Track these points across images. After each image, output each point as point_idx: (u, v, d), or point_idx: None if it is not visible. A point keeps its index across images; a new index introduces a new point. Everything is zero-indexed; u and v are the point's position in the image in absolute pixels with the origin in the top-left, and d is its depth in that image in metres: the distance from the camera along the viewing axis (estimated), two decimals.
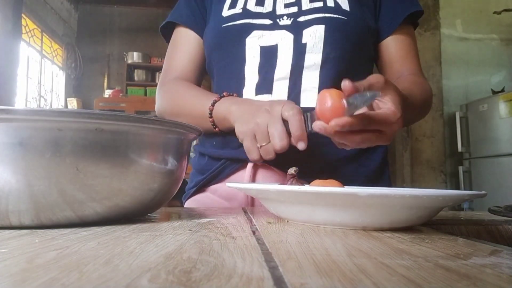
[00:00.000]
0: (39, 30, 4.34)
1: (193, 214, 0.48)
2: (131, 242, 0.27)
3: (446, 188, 3.16)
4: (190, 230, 0.34)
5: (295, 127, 0.52)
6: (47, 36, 4.52)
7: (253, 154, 0.56)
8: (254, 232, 0.33)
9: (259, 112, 0.56)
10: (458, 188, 3.06)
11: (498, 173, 2.72)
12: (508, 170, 2.64)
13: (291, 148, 0.66)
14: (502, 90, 2.87)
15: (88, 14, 5.22)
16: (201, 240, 0.28)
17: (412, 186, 3.22)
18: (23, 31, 3.73)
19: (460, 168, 3.01)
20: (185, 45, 0.78)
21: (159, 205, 0.44)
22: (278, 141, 0.53)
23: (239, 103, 0.61)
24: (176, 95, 0.73)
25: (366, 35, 0.71)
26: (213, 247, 0.26)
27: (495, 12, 3.20)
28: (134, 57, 5.13)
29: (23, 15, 3.64)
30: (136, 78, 5.17)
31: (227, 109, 0.61)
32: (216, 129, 0.65)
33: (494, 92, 2.92)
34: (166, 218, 0.44)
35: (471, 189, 2.87)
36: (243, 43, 0.69)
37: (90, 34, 5.16)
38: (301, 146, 0.53)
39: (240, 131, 0.58)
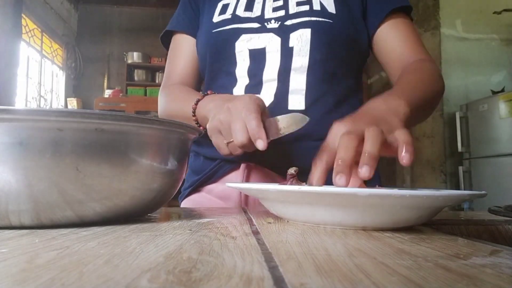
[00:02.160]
0: (39, 30, 4.34)
1: (193, 214, 0.48)
2: (131, 242, 0.27)
3: (446, 188, 3.16)
4: (190, 230, 0.34)
5: (250, 126, 0.51)
6: (47, 36, 4.52)
7: (222, 150, 0.56)
8: (254, 232, 0.33)
9: (222, 109, 0.56)
10: (458, 188, 3.06)
11: (498, 173, 2.72)
12: (508, 170, 2.64)
13: (285, 149, 0.66)
14: (502, 90, 2.87)
15: (88, 14, 5.22)
16: (201, 240, 0.28)
17: (412, 186, 3.22)
18: (23, 31, 3.73)
19: (460, 168, 3.00)
20: (183, 50, 0.79)
21: (159, 205, 0.44)
22: (239, 137, 0.52)
23: (216, 100, 0.61)
24: (171, 99, 0.74)
25: (354, 36, 0.71)
26: (213, 247, 0.26)
27: (495, 12, 3.20)
28: (134, 57, 5.13)
29: (23, 15, 3.64)
30: (136, 78, 5.17)
31: (206, 107, 0.62)
32: (201, 127, 0.65)
33: (494, 92, 2.92)
34: (166, 218, 0.44)
35: (471, 189, 2.87)
36: (233, 47, 0.71)
37: (90, 34, 5.17)
38: (260, 144, 0.51)
39: (208, 127, 0.58)
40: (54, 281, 0.17)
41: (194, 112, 0.64)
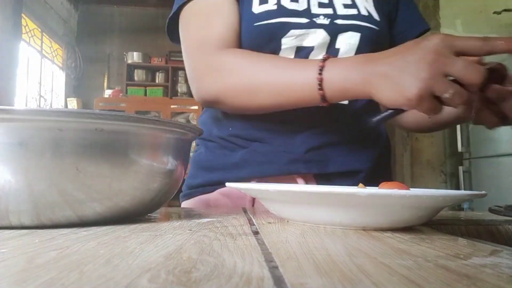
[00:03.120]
0: (39, 30, 4.34)
1: (193, 214, 0.48)
2: (131, 242, 0.27)
3: (446, 188, 3.16)
4: (190, 230, 0.34)
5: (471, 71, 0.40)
6: (47, 36, 4.52)
7: (435, 111, 0.43)
8: (254, 232, 0.33)
9: (414, 64, 0.42)
10: (458, 188, 3.06)
11: (498, 173, 2.72)
12: (508, 170, 2.64)
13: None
14: None
15: (88, 14, 5.22)
16: (201, 240, 0.28)
17: (412, 186, 3.20)
18: (23, 31, 3.73)
19: (460, 168, 3.00)
20: (220, 10, 0.64)
21: (159, 205, 0.44)
22: (475, 72, 0.40)
23: (358, 64, 0.49)
24: (251, 66, 0.58)
25: (389, 45, 0.71)
26: (213, 247, 0.26)
27: (495, 12, 3.19)
28: (134, 57, 5.12)
29: (23, 15, 3.64)
30: (136, 78, 5.16)
31: (348, 76, 0.49)
32: (325, 103, 0.53)
33: None
34: (166, 218, 0.44)
35: (471, 189, 2.86)
36: (279, 43, 0.64)
37: (90, 34, 5.16)
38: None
39: (413, 97, 0.42)
40: (54, 281, 0.17)
41: (320, 84, 0.51)
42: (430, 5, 3.23)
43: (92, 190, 0.34)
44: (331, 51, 0.65)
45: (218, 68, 0.60)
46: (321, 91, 0.51)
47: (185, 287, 0.17)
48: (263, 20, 0.63)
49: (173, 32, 0.70)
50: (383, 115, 0.46)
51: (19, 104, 3.71)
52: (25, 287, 0.16)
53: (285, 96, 0.55)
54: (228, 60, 0.60)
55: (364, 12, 0.68)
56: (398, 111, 0.45)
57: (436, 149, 3.22)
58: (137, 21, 5.23)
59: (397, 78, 0.44)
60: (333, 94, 0.51)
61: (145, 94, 4.98)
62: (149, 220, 0.41)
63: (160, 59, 5.10)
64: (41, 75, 4.46)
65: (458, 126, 3.01)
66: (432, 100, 0.43)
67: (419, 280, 0.19)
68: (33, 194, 0.32)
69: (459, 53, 0.42)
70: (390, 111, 0.46)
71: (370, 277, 0.19)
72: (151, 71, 5.21)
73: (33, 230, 0.32)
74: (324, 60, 0.52)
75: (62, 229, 0.33)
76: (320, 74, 0.51)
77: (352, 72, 0.48)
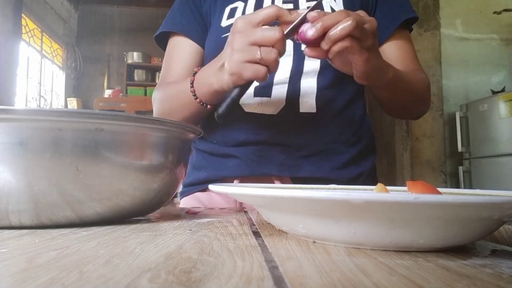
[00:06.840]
0: (39, 30, 4.34)
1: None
2: (131, 242, 0.27)
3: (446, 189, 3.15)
4: (190, 230, 0.34)
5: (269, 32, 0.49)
6: (47, 36, 4.52)
7: (261, 73, 0.51)
8: (254, 232, 0.33)
9: (225, 52, 0.53)
10: (458, 188, 3.06)
11: (498, 173, 2.72)
12: (508, 170, 2.64)
13: (294, 152, 0.67)
14: (502, 90, 2.87)
15: (88, 14, 5.22)
16: (201, 240, 0.28)
17: None
18: (23, 31, 3.73)
19: (460, 168, 3.00)
20: (180, 53, 0.77)
21: (159, 205, 0.44)
22: (272, 33, 0.48)
23: (210, 64, 0.59)
24: (165, 95, 0.72)
25: None
26: (213, 247, 0.26)
27: (495, 12, 3.20)
28: (134, 57, 5.13)
29: (23, 15, 3.64)
30: (136, 78, 5.17)
31: (203, 73, 0.59)
32: (197, 99, 0.61)
33: (494, 92, 2.92)
34: (166, 218, 0.44)
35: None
36: None
37: (90, 34, 5.16)
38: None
39: (231, 67, 0.52)
40: (54, 281, 0.17)
41: (192, 83, 0.60)
42: (430, 5, 3.23)
43: (92, 190, 0.34)
44: (298, 53, 0.69)
45: (156, 98, 0.75)
46: (197, 99, 0.61)
47: (185, 287, 0.17)
48: (229, 32, 0.70)
49: (161, 44, 0.82)
50: (225, 102, 0.53)
51: (19, 104, 3.71)
52: (25, 287, 0.16)
53: (186, 110, 0.65)
54: (159, 93, 0.74)
55: (327, 10, 0.70)
56: (237, 92, 0.52)
57: (436, 149, 3.22)
58: (137, 21, 5.23)
59: (225, 64, 0.53)
60: (206, 97, 0.60)
61: (145, 94, 4.98)
62: (149, 220, 0.41)
63: (160, 59, 5.09)
64: (41, 75, 4.46)
65: (458, 126, 3.02)
66: (253, 65, 0.50)
67: (419, 280, 0.19)
68: (33, 194, 0.32)
69: (259, 24, 0.50)
70: (229, 96, 0.53)
71: (370, 277, 0.19)
72: (151, 71, 5.22)
73: (33, 230, 0.32)
74: (195, 73, 0.61)
75: (62, 229, 0.33)
76: (192, 86, 0.61)
77: (210, 77, 0.57)
